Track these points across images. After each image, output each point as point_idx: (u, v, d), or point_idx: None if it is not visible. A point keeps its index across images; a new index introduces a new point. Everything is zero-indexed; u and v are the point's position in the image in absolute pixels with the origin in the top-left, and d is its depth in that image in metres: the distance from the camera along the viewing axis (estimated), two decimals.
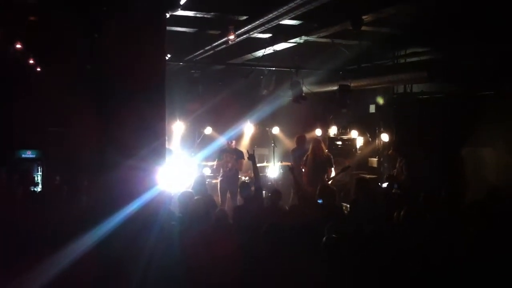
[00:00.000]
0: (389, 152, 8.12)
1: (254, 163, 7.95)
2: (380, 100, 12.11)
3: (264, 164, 12.83)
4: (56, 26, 8.14)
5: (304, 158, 10.23)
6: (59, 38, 8.64)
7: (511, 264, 4.61)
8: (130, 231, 4.93)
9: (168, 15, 5.30)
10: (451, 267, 4.67)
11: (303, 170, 10.24)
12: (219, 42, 8.52)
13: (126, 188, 5.06)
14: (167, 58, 7.40)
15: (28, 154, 11.65)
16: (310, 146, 10.17)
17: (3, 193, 7.27)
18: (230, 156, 10.57)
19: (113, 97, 4.69)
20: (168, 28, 7.36)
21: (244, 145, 13.01)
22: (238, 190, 8.95)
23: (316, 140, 10.42)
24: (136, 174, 5.08)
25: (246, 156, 8.89)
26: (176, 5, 5.23)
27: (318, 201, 7.23)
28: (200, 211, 6.37)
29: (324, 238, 5.00)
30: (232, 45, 8.35)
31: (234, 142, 10.90)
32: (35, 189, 9.62)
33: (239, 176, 10.90)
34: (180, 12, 6.20)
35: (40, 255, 4.90)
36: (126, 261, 4.94)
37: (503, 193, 6.93)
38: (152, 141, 5.04)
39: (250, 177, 11.78)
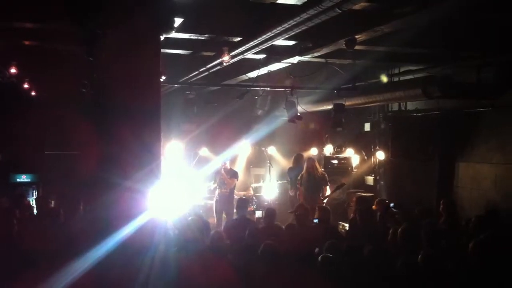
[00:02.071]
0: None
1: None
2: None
3: (260, 184, 12.82)
4: (52, 50, 8.18)
5: (299, 177, 10.26)
6: (54, 62, 8.67)
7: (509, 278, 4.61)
8: (125, 253, 4.90)
9: (162, 38, 5.33)
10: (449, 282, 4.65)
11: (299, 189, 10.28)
12: (214, 63, 8.56)
13: (122, 209, 5.03)
14: (162, 79, 7.43)
15: (23, 178, 11.59)
16: (305, 165, 10.22)
17: (2, 217, 7.23)
18: (224, 177, 10.62)
19: (109, 118, 4.70)
20: (163, 50, 7.43)
21: (240, 165, 13.01)
22: (235, 210, 8.92)
23: (310, 159, 10.46)
24: (132, 195, 5.06)
25: None
26: (170, 28, 5.26)
27: (314, 220, 7.21)
28: (195, 232, 6.33)
29: (320, 257, 4.98)
30: (226, 66, 8.39)
31: (228, 163, 10.93)
32: (31, 213, 9.54)
33: (234, 196, 10.89)
34: (174, 35, 6.23)
35: (37, 277, 4.86)
36: (123, 283, 4.89)
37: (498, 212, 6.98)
38: (149, 163, 5.03)
39: (247, 196, 11.75)
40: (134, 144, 4.56)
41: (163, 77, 7.93)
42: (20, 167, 11.69)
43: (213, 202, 10.71)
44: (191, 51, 8.54)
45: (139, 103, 4.54)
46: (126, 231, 5.16)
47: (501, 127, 9.05)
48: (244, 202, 8.14)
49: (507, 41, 7.10)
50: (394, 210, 7.92)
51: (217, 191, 10.72)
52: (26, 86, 10.37)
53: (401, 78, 10.19)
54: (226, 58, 7.49)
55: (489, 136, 9.36)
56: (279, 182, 12.68)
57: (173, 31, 5.56)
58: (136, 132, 4.55)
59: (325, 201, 9.87)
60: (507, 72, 8.14)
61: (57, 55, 8.31)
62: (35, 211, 10.20)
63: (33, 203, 10.75)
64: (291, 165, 11.75)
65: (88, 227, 6.11)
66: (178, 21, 5.67)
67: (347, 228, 8.51)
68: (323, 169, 10.83)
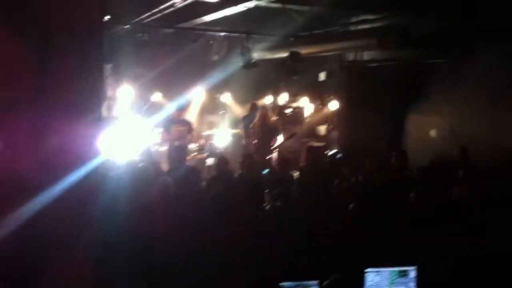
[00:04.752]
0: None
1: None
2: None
3: (213, 131, 12.68)
4: None
5: (251, 126, 10.15)
6: None
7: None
8: (74, 198, 4.74)
9: None
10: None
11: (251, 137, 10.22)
12: (166, 4, 8.21)
13: (70, 154, 4.82)
14: (107, 18, 7.11)
15: None
16: (258, 114, 10.11)
17: None
18: (179, 129, 10.21)
19: (51, 56, 4.41)
20: None
21: (193, 112, 12.79)
22: None
23: (263, 107, 10.38)
24: (80, 140, 4.85)
25: None
26: None
27: (264, 171, 7.21)
28: (145, 179, 6.22)
29: (268, 205, 4.99)
30: (181, 8, 8.08)
31: (182, 111, 10.52)
32: None
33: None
34: None
35: None
36: (70, 230, 4.77)
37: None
38: (94, 106, 4.80)
39: (200, 145, 11.61)
40: (76, 87, 4.33)
41: (108, 16, 7.54)
42: None
43: (165, 150, 10.36)
44: None
45: (78, 44, 4.28)
46: (74, 177, 5.00)
47: (453, 79, 9.13)
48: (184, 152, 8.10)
49: None
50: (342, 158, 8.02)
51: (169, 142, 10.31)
52: None
53: (359, 27, 10.08)
54: None
55: (441, 88, 9.45)
56: (233, 130, 12.56)
57: None
58: (78, 73, 4.30)
59: (276, 149, 9.89)
60: (460, 25, 8.19)
61: None
62: None
63: None
64: (246, 113, 11.65)
65: (34, 173, 5.90)
66: None
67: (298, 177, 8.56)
68: (276, 118, 10.79)
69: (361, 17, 10.01)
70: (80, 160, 4.97)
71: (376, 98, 10.60)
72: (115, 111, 10.73)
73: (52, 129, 4.79)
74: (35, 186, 4.93)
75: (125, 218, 5.24)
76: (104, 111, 5.22)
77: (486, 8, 7.50)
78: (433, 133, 9.64)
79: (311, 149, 8.45)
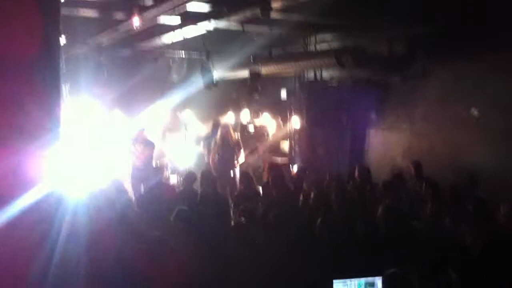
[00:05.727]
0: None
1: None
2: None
3: (176, 149, 12.60)
4: None
5: (213, 143, 10.09)
6: None
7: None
8: (35, 215, 4.63)
9: None
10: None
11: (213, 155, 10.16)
12: (125, 27, 8.20)
13: (28, 175, 4.70)
14: (63, 39, 7.05)
15: None
16: (219, 132, 10.07)
17: None
18: (138, 148, 10.05)
19: (7, 76, 4.33)
20: (68, 11, 7.04)
21: (155, 131, 12.70)
22: None
23: (225, 125, 10.32)
24: (39, 162, 4.75)
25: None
26: None
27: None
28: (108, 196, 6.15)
29: (232, 221, 5.01)
30: (140, 29, 8.09)
31: (143, 131, 10.30)
32: None
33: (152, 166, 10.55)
34: None
35: None
36: (21, 259, 4.65)
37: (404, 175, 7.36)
38: (52, 127, 4.72)
39: (162, 163, 11.50)
40: (33, 106, 4.25)
41: (63, 36, 7.44)
42: None
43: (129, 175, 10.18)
44: (100, 13, 8.09)
45: (34, 65, 4.22)
46: (33, 197, 4.89)
47: (408, 97, 9.43)
48: (158, 170, 8.06)
49: (416, 14, 7.38)
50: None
51: (130, 164, 10.11)
52: None
53: (317, 47, 10.29)
54: (136, 20, 7.19)
55: (398, 105, 9.73)
56: (196, 148, 12.52)
57: None
58: (31, 96, 4.23)
59: (238, 166, 9.89)
60: (415, 45, 8.50)
61: None
62: None
63: None
64: (208, 131, 11.65)
65: None
66: None
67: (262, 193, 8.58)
68: (238, 135, 10.79)
69: (319, 37, 10.24)
70: (37, 183, 4.87)
71: (335, 116, 10.81)
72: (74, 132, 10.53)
73: (8, 151, 4.69)
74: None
75: (85, 241, 5.14)
76: (62, 132, 5.12)
77: (439, 29, 7.82)
78: (392, 149, 9.88)
79: (274, 165, 8.50)
